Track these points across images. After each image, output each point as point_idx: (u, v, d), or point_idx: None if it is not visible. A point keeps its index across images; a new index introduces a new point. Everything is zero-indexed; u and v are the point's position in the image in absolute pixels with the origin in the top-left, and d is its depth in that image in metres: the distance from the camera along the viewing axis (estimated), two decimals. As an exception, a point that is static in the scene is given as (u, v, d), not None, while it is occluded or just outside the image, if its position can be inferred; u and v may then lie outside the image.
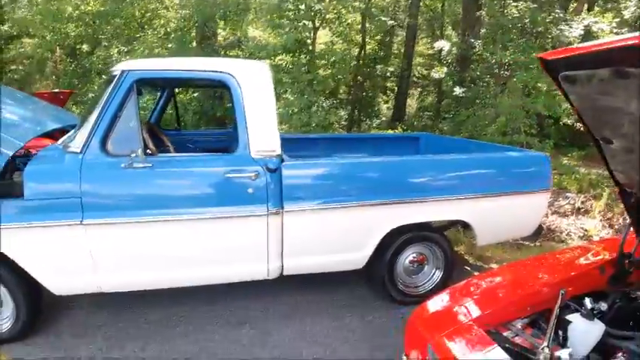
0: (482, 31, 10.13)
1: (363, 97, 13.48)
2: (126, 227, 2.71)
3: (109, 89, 2.74)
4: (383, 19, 11.28)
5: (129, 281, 2.93)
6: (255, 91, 2.85)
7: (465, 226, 3.70)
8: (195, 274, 2.99)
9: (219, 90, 10.43)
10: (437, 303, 2.12)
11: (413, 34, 14.16)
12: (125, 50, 12.89)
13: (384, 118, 15.20)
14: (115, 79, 2.75)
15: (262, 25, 12.45)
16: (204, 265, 2.97)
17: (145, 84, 2.95)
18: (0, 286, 2.89)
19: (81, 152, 2.68)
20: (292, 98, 8.71)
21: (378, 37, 14.37)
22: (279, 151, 2.89)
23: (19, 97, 4.41)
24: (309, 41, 9.83)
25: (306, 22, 9.69)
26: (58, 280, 2.88)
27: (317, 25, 10.23)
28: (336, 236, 3.15)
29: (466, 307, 1.98)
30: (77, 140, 2.77)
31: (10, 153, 2.75)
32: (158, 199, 2.76)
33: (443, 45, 11.26)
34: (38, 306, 3.10)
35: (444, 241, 3.56)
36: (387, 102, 17.08)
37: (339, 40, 11.30)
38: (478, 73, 10.09)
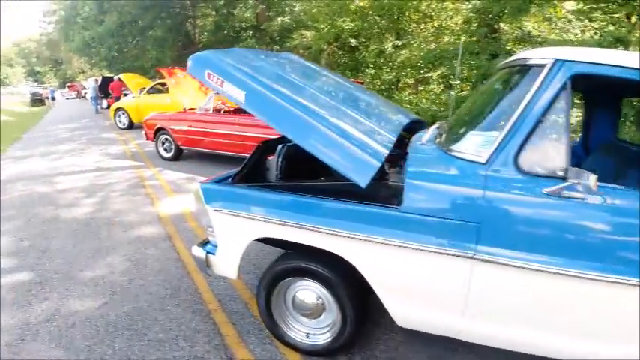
0: None
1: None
2: (526, 274, 1.94)
3: (534, 84, 1.99)
4: None
5: (498, 336, 2.18)
6: None
7: None
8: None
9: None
10: None
11: None
12: (399, 44, 12.87)
13: None
14: (544, 72, 1.98)
15: (539, 19, 10.76)
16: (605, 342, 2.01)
17: (580, 81, 2.10)
18: (326, 290, 2.54)
19: (486, 163, 2.01)
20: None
21: None
22: None
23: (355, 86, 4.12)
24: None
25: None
26: (409, 312, 2.32)
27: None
28: None
29: None
30: (474, 146, 2.12)
31: (387, 152, 2.28)
32: (582, 247, 1.89)
33: None
34: (364, 321, 2.67)
35: None
36: None
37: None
38: None
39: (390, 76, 13.05)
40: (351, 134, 2.28)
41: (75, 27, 35.39)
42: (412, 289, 2.24)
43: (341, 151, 2.21)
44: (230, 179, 2.86)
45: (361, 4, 13.40)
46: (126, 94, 19.59)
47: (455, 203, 2.03)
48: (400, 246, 2.13)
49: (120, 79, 18.31)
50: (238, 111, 9.03)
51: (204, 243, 2.91)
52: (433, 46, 11.32)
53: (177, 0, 22.09)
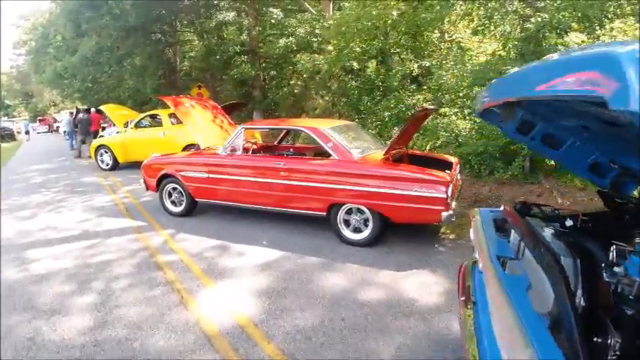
0: None
1: None
2: None
3: None
4: None
5: None
6: None
7: None
8: None
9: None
10: None
11: None
12: (427, 64, 11.23)
13: None
14: None
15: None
16: None
17: None
18: None
19: None
20: None
21: None
22: None
23: None
24: None
25: None
26: None
27: None
28: None
29: None
30: None
31: None
32: None
33: None
34: None
35: None
36: None
37: None
38: None
39: (414, 101, 11.30)
40: None
41: (46, 58, 33.17)
42: None
43: None
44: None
45: (394, 16, 11.54)
46: (104, 128, 17.40)
47: None
48: None
49: (99, 111, 16.00)
50: (268, 149, 7.09)
51: None
52: (469, 66, 9.66)
53: (157, 25, 20.06)
